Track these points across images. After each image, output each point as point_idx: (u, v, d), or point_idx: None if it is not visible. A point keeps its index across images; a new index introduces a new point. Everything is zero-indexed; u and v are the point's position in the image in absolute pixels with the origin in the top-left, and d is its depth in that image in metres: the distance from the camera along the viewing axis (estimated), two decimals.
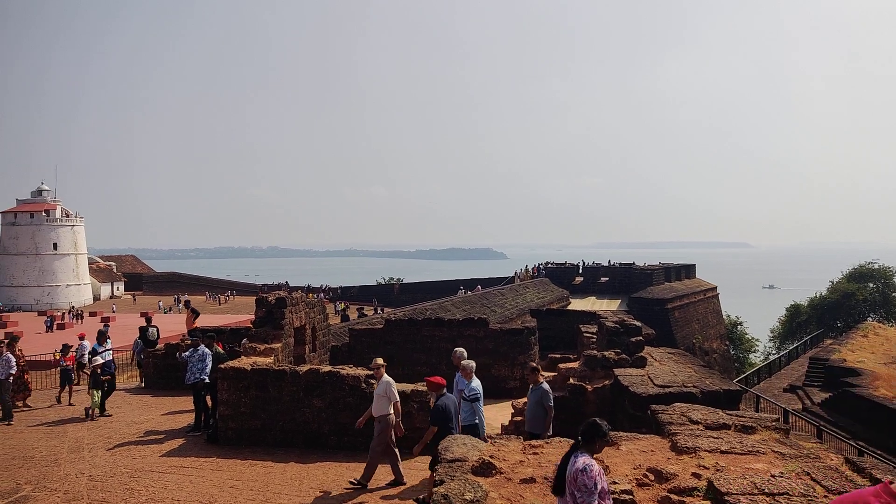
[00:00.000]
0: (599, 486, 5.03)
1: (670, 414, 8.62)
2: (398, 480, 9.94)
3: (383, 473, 10.02)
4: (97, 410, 14.60)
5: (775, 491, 5.90)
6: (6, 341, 16.02)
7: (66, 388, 16.79)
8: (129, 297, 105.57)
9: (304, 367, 12.30)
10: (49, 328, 55.90)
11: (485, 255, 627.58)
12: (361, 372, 12.02)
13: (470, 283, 70.88)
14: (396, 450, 10.07)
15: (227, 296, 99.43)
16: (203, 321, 19.34)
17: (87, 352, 18.76)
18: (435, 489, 6.18)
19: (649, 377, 11.72)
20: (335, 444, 11.68)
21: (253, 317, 15.25)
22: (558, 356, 18.10)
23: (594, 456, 5.28)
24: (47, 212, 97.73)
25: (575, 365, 14.19)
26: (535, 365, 9.81)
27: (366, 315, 45.41)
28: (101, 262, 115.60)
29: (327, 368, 12.26)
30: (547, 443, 7.77)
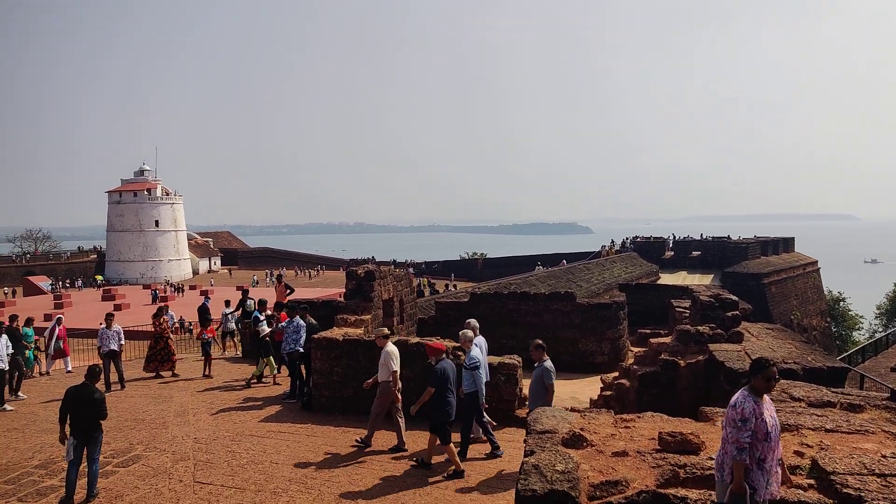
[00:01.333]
0: (751, 423, 4.83)
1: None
2: (399, 447, 10.33)
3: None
4: (273, 377, 15.20)
5: (887, 472, 5.57)
6: (111, 314, 16.81)
7: (208, 360, 16.75)
8: (226, 271, 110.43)
9: (393, 338, 12.52)
10: (154, 300, 59.34)
11: (569, 229, 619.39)
12: (449, 344, 12.12)
13: (554, 258, 70.18)
14: (401, 418, 10.49)
15: (317, 270, 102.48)
16: (294, 294, 19.99)
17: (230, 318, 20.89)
18: (525, 459, 6.18)
19: (746, 353, 11.28)
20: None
21: (341, 290, 15.63)
22: (648, 331, 17.72)
23: (762, 396, 5.03)
24: (149, 191, 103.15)
25: (666, 340, 13.82)
26: (539, 342, 9.93)
27: (437, 290, 45.69)
28: (199, 238, 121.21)
29: (415, 340, 12.44)
30: (639, 416, 7.63)
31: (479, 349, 10.37)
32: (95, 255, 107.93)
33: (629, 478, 5.76)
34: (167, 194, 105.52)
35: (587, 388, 15.11)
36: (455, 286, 50.25)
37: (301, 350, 13.50)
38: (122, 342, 16.00)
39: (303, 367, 13.72)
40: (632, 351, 18.19)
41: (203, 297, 31.14)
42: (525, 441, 6.72)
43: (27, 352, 17.47)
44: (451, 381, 9.60)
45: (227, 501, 8.18)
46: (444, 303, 20.25)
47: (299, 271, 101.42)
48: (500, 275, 54.86)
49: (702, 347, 12.08)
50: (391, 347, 10.60)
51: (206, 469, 9.37)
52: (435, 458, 9.59)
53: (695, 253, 60.72)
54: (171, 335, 17.56)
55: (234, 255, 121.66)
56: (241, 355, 19.50)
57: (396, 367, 10.49)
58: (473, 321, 11.42)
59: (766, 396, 5.13)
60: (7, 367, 14.10)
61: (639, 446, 6.51)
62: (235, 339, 21.78)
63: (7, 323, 15.58)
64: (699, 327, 12.65)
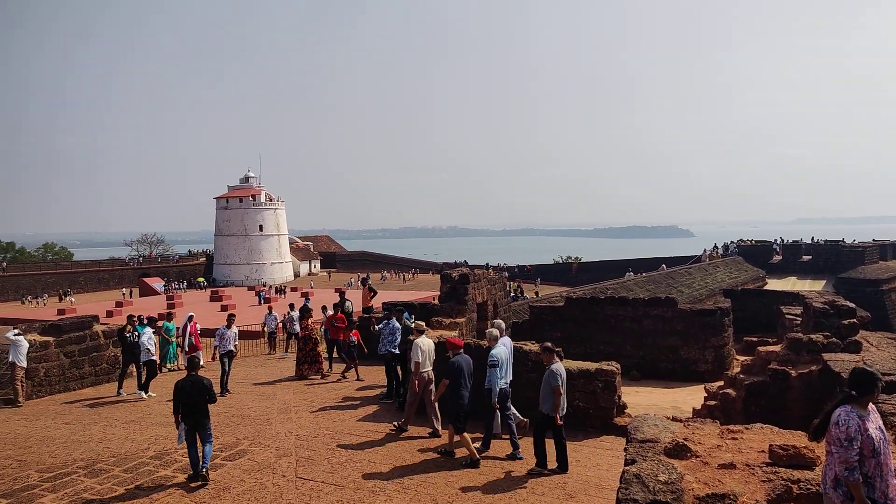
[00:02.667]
0: (857, 441, 4.59)
1: (893, 404, 7.69)
2: (434, 433, 11.19)
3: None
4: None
5: None
6: (229, 315, 17.58)
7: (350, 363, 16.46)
8: (325, 274, 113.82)
9: (431, 333, 12.47)
10: (260, 301, 61.94)
11: (669, 232, 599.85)
12: (534, 347, 11.99)
13: (652, 263, 68.18)
14: (436, 407, 11.27)
15: (412, 273, 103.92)
16: (389, 297, 20.36)
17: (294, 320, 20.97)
18: (626, 468, 6.01)
19: (864, 363, 10.54)
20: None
21: (434, 293, 15.77)
22: (755, 339, 16.89)
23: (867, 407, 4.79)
24: (254, 196, 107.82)
25: (776, 348, 13.12)
26: (548, 345, 9.88)
27: (525, 296, 45.12)
28: (300, 241, 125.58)
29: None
30: (748, 428, 7.26)
31: (504, 348, 10.50)
32: (205, 258, 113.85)
33: (737, 491, 5.49)
34: (270, 200, 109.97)
35: (689, 397, 14.56)
36: (537, 293, 49.59)
37: (397, 352, 13.70)
38: (237, 342, 16.61)
39: (399, 368, 13.93)
40: (737, 360, 17.38)
41: (304, 298, 32.22)
42: (625, 450, 6.53)
43: (167, 346, 18.73)
44: (464, 374, 10.05)
45: (327, 498, 8.39)
46: (539, 307, 20.05)
47: (394, 274, 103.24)
48: (596, 279, 53.82)
49: (815, 357, 11.39)
50: (418, 341, 11.40)
51: (307, 465, 9.66)
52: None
53: (805, 257, 57.46)
54: (317, 337, 17.54)
55: (333, 258, 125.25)
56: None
57: (417, 359, 11.19)
58: (500, 321, 11.60)
59: (870, 405, 4.85)
60: (156, 358, 15.34)
61: (747, 459, 6.19)
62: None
63: (140, 319, 16.74)
64: (812, 336, 11.93)
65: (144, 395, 15.14)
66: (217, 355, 16.24)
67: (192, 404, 9.16)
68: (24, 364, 15.04)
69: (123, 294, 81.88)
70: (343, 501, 8.27)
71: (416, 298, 39.26)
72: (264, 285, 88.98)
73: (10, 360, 14.82)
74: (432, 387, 11.37)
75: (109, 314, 53.91)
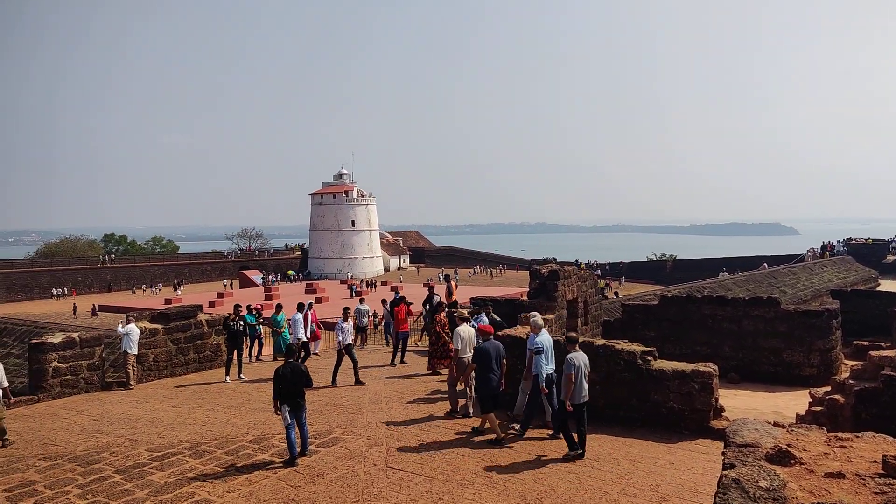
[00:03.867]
0: None
1: None
2: (467, 413, 12.03)
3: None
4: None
5: None
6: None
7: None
8: (414, 268, 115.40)
9: (580, 339, 12.30)
10: (352, 294, 63.55)
11: (771, 230, 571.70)
12: (637, 348, 11.70)
13: (753, 262, 65.26)
14: (470, 389, 12.02)
15: (499, 269, 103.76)
16: (477, 293, 20.40)
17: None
18: (724, 472, 5.78)
19: None
20: (610, 417, 11.56)
21: (522, 289, 15.71)
22: (866, 343, 15.90)
23: None
24: (346, 193, 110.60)
25: (890, 353, 12.30)
26: (572, 335, 10.35)
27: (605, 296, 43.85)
28: (390, 237, 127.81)
29: (601, 342, 12.14)
30: (858, 436, 6.84)
31: (547, 337, 10.88)
32: (300, 252, 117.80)
33: (846, 502, 5.18)
34: (362, 196, 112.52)
35: (792, 402, 13.88)
36: (616, 293, 48.19)
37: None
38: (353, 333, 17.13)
39: None
40: (846, 364, 16.39)
41: (394, 293, 32.74)
42: (723, 454, 6.28)
43: (279, 337, 19.63)
44: (492, 358, 10.61)
45: (416, 488, 8.52)
46: (632, 305, 19.59)
47: (481, 270, 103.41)
48: (691, 278, 52.01)
49: None
50: (458, 329, 12.13)
51: (397, 455, 9.83)
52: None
53: None
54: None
55: (422, 253, 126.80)
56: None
57: (457, 346, 11.93)
58: (537, 314, 11.90)
59: None
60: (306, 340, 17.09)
61: (857, 468, 5.82)
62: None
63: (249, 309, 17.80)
64: None
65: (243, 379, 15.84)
66: (338, 346, 16.43)
67: (291, 389, 9.56)
68: (136, 351, 16.02)
69: (224, 285, 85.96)
70: (432, 493, 8.37)
71: (503, 294, 39.20)
72: (354, 279, 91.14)
73: (122, 349, 15.84)
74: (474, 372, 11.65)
75: (211, 304, 56.71)
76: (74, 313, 60.34)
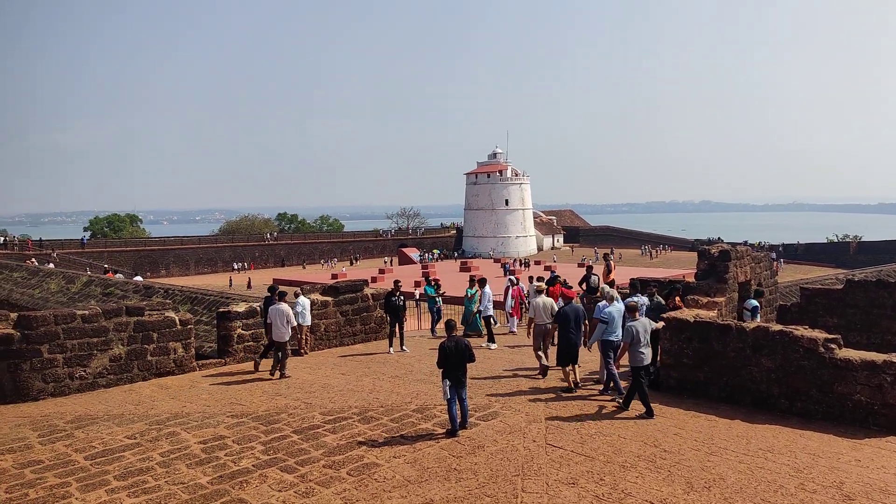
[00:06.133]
0: None
1: None
2: (543, 372, 13.40)
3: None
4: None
5: None
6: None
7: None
8: (568, 248, 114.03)
9: (752, 324, 11.56)
10: (505, 273, 64.00)
11: None
12: (819, 335, 10.78)
13: None
14: (542, 353, 13.53)
15: (658, 250, 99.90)
16: (635, 274, 19.75)
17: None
18: None
19: None
20: (786, 408, 10.78)
21: (683, 271, 15.04)
22: None
23: None
24: (500, 172, 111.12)
25: None
26: (632, 303, 11.40)
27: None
28: (544, 216, 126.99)
29: (778, 327, 11.31)
30: None
31: (617, 307, 11.99)
32: (455, 231, 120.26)
33: None
34: (516, 175, 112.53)
35: None
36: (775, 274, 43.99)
37: None
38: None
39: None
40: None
41: (549, 272, 32.52)
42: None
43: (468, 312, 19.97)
44: (570, 320, 12.20)
45: (577, 467, 8.44)
46: (812, 289, 18.07)
47: (642, 251, 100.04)
48: (878, 261, 47.11)
49: None
50: (536, 300, 14.02)
51: (556, 433, 9.79)
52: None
53: None
54: None
55: (576, 232, 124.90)
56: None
57: (531, 315, 13.92)
58: (609, 288, 13.10)
59: None
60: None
61: None
62: None
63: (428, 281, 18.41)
64: None
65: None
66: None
67: (454, 364, 9.81)
68: (308, 322, 17.09)
69: (385, 262, 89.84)
70: (593, 473, 8.25)
71: (665, 275, 37.65)
72: (507, 257, 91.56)
73: (297, 322, 16.67)
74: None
75: (373, 280, 59.47)
76: (249, 286, 65.16)
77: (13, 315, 12.87)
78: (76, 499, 7.81)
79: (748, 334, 11.23)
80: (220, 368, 15.45)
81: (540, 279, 18.66)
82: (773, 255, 62.27)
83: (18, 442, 9.95)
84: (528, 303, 23.04)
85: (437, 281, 20.66)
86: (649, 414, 10.56)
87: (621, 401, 11.12)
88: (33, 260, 59.74)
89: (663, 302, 13.70)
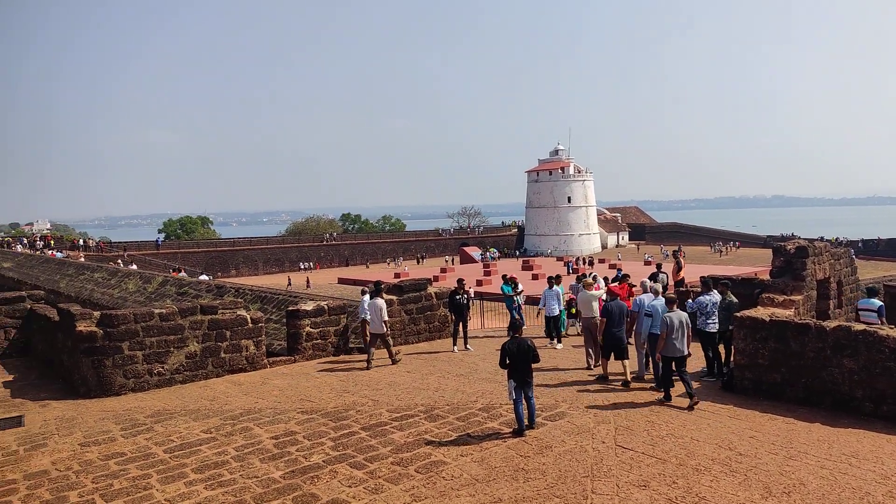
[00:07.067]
0: None
1: None
2: (589, 365, 13.98)
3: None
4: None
5: None
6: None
7: None
8: (633, 246, 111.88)
9: (832, 324, 11.06)
10: (568, 272, 63.33)
11: None
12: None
13: None
14: (593, 348, 13.96)
15: (728, 247, 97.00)
16: (705, 271, 19.18)
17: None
18: None
19: None
20: (870, 411, 10.28)
21: (756, 269, 14.57)
22: None
23: None
24: (562, 169, 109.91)
25: None
26: (671, 296, 11.80)
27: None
28: (608, 213, 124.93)
29: (860, 327, 10.79)
30: None
31: (660, 303, 11.98)
32: (516, 230, 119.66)
33: None
34: (579, 172, 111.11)
35: None
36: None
37: (711, 329, 12.87)
38: None
39: (721, 345, 13.13)
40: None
41: (616, 271, 32.03)
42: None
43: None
44: (615, 315, 12.53)
45: (648, 470, 8.25)
46: None
47: (712, 248, 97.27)
48: None
49: None
50: (579, 294, 14.90)
51: (626, 434, 9.61)
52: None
53: None
54: None
55: (642, 229, 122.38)
56: None
57: (580, 309, 14.61)
58: (654, 283, 13.30)
59: None
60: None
61: None
62: None
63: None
64: None
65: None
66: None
67: (518, 364, 9.74)
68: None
69: (446, 261, 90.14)
70: (665, 476, 8.05)
71: (737, 273, 36.51)
72: (570, 255, 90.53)
73: (361, 317, 16.88)
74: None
75: (435, 279, 59.76)
76: (309, 286, 65.84)
77: (96, 314, 13.49)
78: (157, 490, 8.12)
79: (828, 334, 10.75)
80: (290, 366, 15.80)
81: (583, 276, 18.18)
82: (852, 251, 59.62)
83: (103, 435, 10.43)
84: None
85: (514, 279, 20.34)
86: (667, 398, 11.24)
87: (665, 396, 11.41)
88: (119, 261, 62.57)
89: (735, 300, 13.28)
